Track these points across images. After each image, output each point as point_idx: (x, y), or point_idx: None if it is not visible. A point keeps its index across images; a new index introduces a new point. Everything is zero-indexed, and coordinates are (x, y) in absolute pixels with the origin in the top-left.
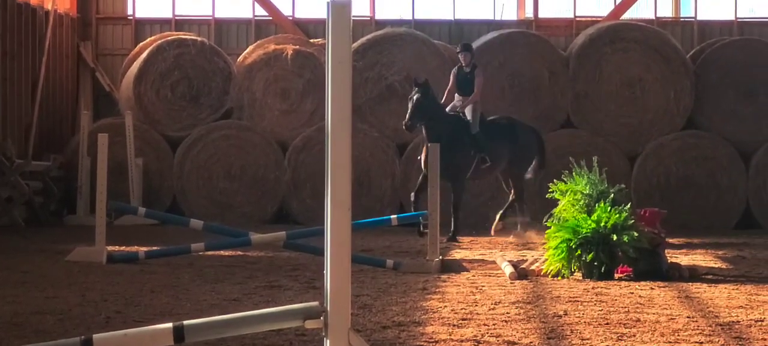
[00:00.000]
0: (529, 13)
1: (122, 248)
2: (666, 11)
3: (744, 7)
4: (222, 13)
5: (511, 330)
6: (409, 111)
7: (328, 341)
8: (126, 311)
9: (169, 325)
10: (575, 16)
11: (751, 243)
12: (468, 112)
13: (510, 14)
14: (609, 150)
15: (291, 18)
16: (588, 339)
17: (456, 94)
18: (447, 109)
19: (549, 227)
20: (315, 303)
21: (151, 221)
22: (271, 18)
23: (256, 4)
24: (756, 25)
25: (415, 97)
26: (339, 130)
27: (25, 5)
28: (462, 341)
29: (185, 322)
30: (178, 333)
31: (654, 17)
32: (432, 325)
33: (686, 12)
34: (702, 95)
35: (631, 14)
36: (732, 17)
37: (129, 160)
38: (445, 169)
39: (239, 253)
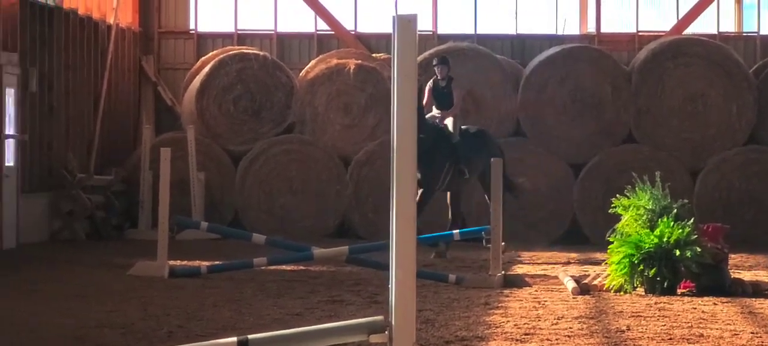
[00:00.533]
0: (591, 28)
1: (184, 262)
2: (729, 26)
3: None
4: (284, 27)
5: None
6: None
7: None
8: (188, 325)
9: (234, 339)
10: (637, 31)
11: None
12: (449, 124)
13: (572, 29)
14: (671, 165)
15: (353, 32)
16: None
17: (434, 108)
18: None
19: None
20: (380, 317)
21: (213, 236)
22: (333, 32)
23: (319, 19)
24: None
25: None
26: (404, 144)
27: (87, 19)
28: None
29: (250, 336)
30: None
31: (717, 32)
32: (495, 340)
33: (749, 27)
34: (764, 110)
35: (693, 29)
36: None
37: (191, 174)
38: (422, 178)
39: (301, 267)
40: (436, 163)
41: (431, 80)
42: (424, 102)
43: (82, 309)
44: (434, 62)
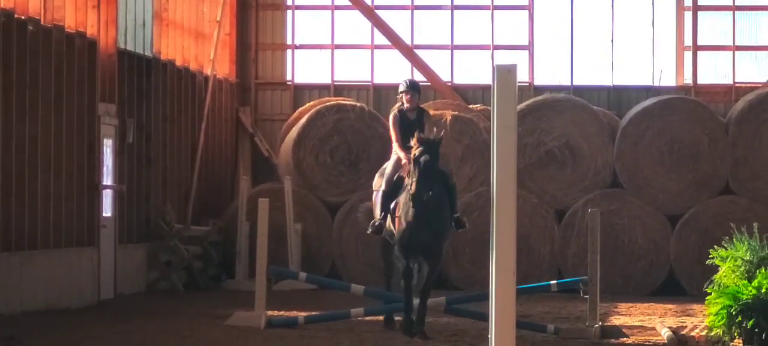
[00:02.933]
0: (687, 79)
1: (281, 312)
2: None
3: None
4: (381, 78)
5: None
6: (418, 180)
7: None
8: None
9: None
10: (734, 83)
11: None
12: None
13: (668, 80)
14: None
15: (450, 83)
16: None
17: (396, 147)
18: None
19: None
20: None
21: (310, 286)
22: (429, 83)
23: (415, 70)
24: None
25: (423, 160)
26: (504, 195)
27: (185, 70)
28: None
29: None
30: None
31: None
32: None
33: None
34: None
35: None
36: None
37: (288, 225)
38: (435, 241)
39: (399, 318)
40: (446, 221)
41: (396, 110)
42: (395, 138)
43: None
44: (401, 88)
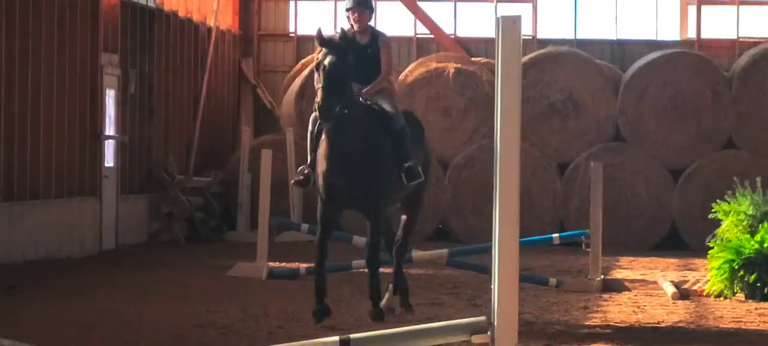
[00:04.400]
0: (691, 34)
1: (283, 264)
2: None
3: None
4: (383, 29)
5: None
6: (322, 85)
7: None
8: (288, 326)
9: (336, 338)
10: (738, 37)
11: None
12: (383, 102)
13: (672, 34)
14: None
15: (453, 36)
16: None
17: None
18: None
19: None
20: (482, 318)
21: (311, 238)
22: (433, 36)
23: (418, 23)
24: None
25: (328, 62)
26: (508, 148)
27: (187, 21)
28: None
29: (352, 335)
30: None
31: None
32: (595, 343)
33: None
34: None
35: None
36: None
37: (290, 176)
38: (362, 192)
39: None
40: (383, 165)
41: (339, 32)
42: None
43: (182, 309)
44: (347, 4)
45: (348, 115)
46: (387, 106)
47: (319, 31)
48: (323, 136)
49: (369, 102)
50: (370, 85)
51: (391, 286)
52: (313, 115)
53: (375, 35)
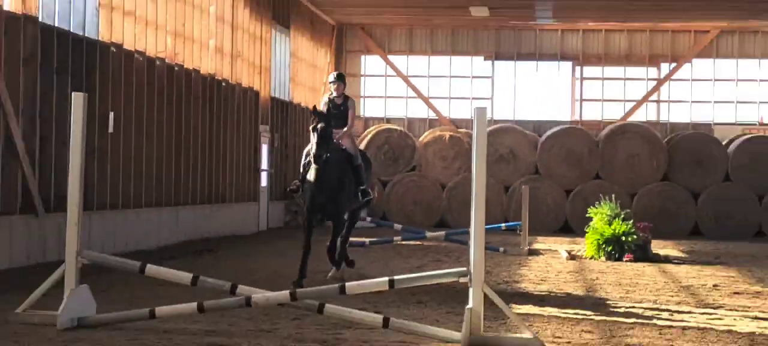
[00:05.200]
0: (576, 116)
1: (352, 238)
2: (652, 116)
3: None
4: (410, 114)
5: (567, 286)
6: (316, 143)
7: (471, 289)
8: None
9: (386, 279)
10: (602, 119)
11: (696, 245)
12: (347, 144)
13: (566, 116)
14: (618, 191)
15: (448, 117)
16: (609, 292)
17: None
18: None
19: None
20: (464, 269)
21: (369, 225)
22: (437, 117)
23: (429, 110)
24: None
25: (319, 127)
26: (479, 177)
27: (306, 107)
28: (541, 291)
29: (395, 277)
30: (391, 283)
31: (645, 120)
32: (524, 283)
33: (663, 118)
34: (672, 162)
35: (635, 118)
36: (687, 120)
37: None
38: (332, 205)
39: (419, 243)
40: (347, 188)
41: (326, 97)
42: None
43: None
44: (330, 79)
45: (329, 157)
46: (350, 148)
47: (314, 107)
48: (312, 167)
49: (341, 143)
50: (342, 132)
51: (335, 268)
52: (306, 149)
53: (346, 97)
